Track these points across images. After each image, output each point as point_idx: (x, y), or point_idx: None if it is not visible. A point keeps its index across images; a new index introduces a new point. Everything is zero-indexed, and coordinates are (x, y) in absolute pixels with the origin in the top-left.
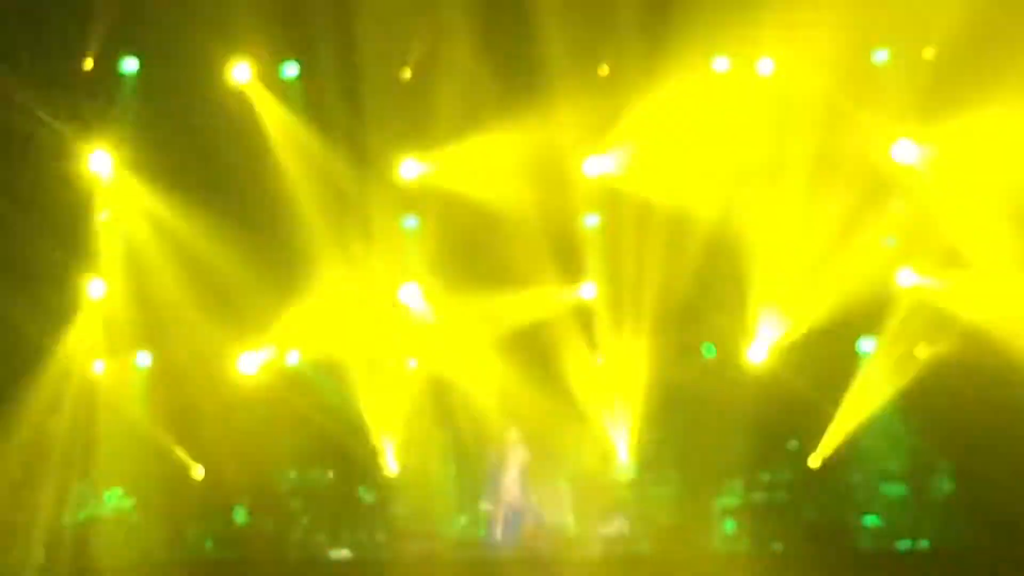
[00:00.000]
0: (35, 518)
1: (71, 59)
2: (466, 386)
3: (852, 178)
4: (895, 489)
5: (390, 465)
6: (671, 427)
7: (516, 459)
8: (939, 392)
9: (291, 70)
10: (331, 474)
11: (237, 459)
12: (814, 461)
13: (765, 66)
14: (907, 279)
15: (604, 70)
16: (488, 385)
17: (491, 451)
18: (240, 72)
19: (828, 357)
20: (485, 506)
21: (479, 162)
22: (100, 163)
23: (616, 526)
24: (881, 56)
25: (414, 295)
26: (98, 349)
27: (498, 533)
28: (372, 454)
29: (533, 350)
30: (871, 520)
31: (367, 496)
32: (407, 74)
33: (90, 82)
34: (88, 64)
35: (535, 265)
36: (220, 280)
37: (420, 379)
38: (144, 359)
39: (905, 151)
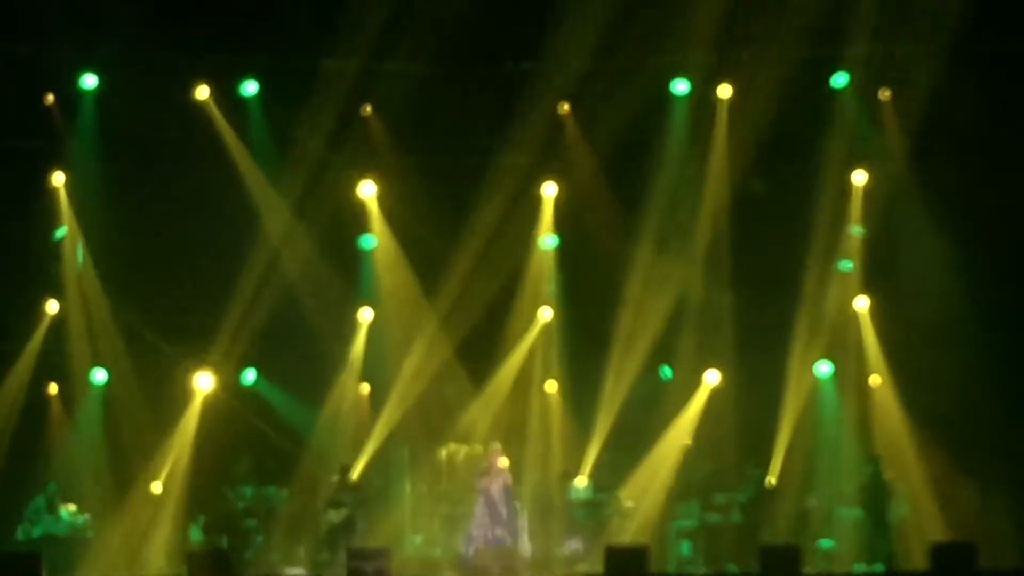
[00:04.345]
0: None
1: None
2: (425, 406)
3: (810, 204)
4: (850, 513)
5: (346, 484)
6: (628, 448)
7: (499, 481)
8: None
9: (251, 88)
10: (286, 492)
11: (193, 476)
12: (771, 482)
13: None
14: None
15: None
16: (448, 405)
17: (479, 474)
18: (200, 90)
19: (785, 380)
20: (474, 530)
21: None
22: (58, 180)
23: (572, 546)
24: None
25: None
26: (55, 366)
27: (471, 551)
28: (328, 473)
29: (493, 370)
30: (826, 543)
31: (323, 515)
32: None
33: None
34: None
35: (495, 286)
36: (178, 297)
37: (378, 399)
38: (100, 376)
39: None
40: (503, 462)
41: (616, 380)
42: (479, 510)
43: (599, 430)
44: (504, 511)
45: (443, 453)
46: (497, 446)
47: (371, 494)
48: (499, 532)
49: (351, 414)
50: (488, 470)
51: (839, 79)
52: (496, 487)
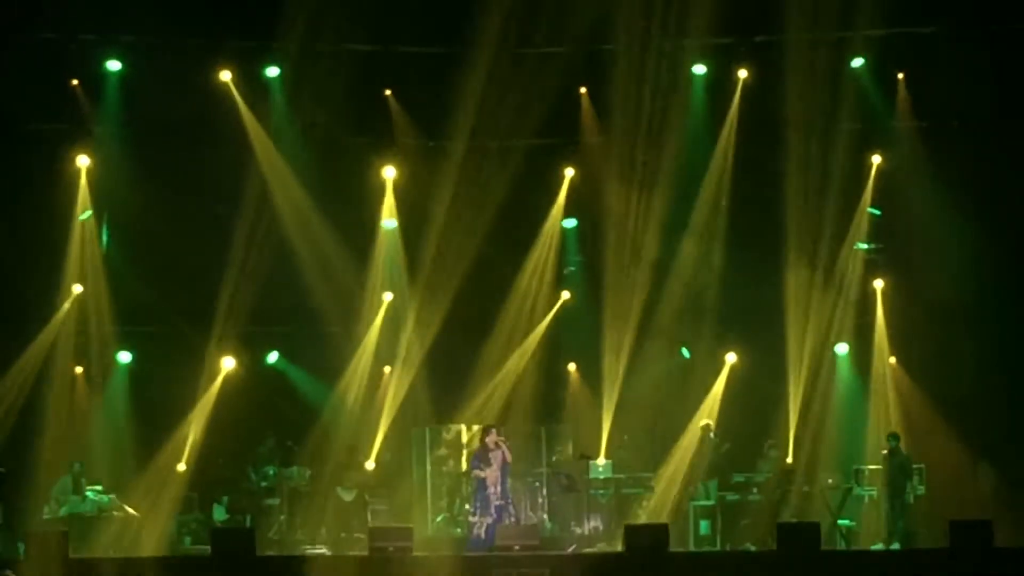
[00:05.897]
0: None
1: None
2: (442, 386)
3: (825, 185)
4: (868, 491)
5: (368, 464)
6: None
7: (497, 460)
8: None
9: (272, 71)
10: (309, 472)
11: (217, 456)
12: (788, 462)
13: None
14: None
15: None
16: (465, 385)
17: (475, 455)
18: (223, 72)
19: (803, 359)
20: (472, 511)
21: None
22: (82, 163)
23: (591, 525)
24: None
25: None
26: (80, 348)
27: (481, 533)
28: (350, 452)
29: (511, 351)
30: (843, 522)
31: (345, 494)
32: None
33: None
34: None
35: (514, 267)
36: (200, 279)
37: (397, 379)
38: (125, 357)
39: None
40: (499, 442)
41: (634, 361)
42: (475, 495)
43: (618, 410)
44: (491, 492)
45: (462, 433)
46: (493, 432)
47: (386, 474)
48: (489, 517)
49: (372, 395)
50: (483, 456)
51: (856, 61)
52: (493, 469)
